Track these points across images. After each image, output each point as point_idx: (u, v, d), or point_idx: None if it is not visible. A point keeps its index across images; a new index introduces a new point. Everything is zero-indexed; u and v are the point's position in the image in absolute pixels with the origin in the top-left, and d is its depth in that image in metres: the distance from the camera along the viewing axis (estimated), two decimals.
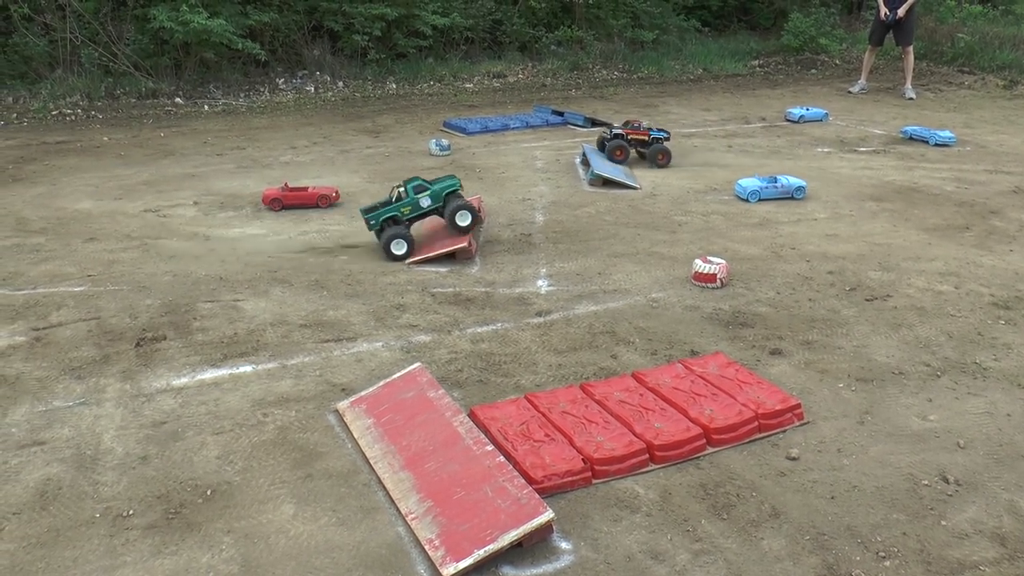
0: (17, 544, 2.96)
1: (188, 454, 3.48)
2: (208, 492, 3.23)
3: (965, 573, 2.88)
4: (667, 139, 8.23)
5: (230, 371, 4.15)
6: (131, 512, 3.11)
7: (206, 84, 11.83)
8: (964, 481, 3.35)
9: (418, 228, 5.85)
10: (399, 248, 5.54)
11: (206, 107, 11.07)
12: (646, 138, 8.16)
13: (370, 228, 5.68)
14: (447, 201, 5.69)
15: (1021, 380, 4.14)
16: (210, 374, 4.12)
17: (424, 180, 5.76)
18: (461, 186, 5.81)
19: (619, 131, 8.10)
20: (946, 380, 4.13)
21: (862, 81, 12.86)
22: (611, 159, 7.90)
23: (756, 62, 15.27)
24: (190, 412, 3.78)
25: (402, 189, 5.70)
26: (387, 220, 5.63)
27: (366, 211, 5.71)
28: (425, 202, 5.68)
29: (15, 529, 3.03)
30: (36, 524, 3.06)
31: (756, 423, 3.63)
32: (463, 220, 5.62)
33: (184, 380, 4.06)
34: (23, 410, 3.79)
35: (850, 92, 12.71)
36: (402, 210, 5.66)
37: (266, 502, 3.18)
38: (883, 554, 2.95)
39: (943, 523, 3.11)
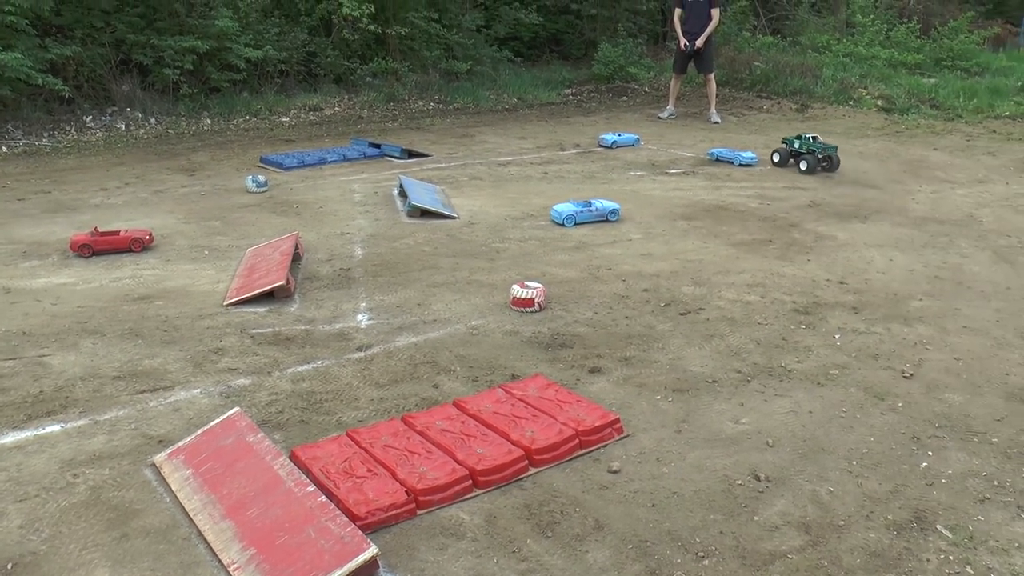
0: None
1: None
2: (9, 566, 3.01)
3: (776, 562, 3.05)
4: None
5: (35, 432, 3.90)
6: None
7: (4, 124, 11.14)
8: (773, 477, 3.55)
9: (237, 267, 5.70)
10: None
11: (4, 148, 10.42)
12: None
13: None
14: None
15: (820, 379, 4.43)
16: (12, 437, 3.86)
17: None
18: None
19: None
20: (755, 384, 4.37)
21: (670, 107, 13.51)
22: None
23: (569, 91, 15.77)
24: None
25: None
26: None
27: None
28: None
29: None
30: None
31: (577, 440, 3.72)
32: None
33: None
34: None
35: (659, 118, 13.32)
36: None
37: (77, 569, 3.00)
38: (702, 554, 3.08)
39: (756, 518, 3.28)
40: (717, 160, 9.97)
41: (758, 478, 3.55)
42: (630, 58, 16.33)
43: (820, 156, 9.45)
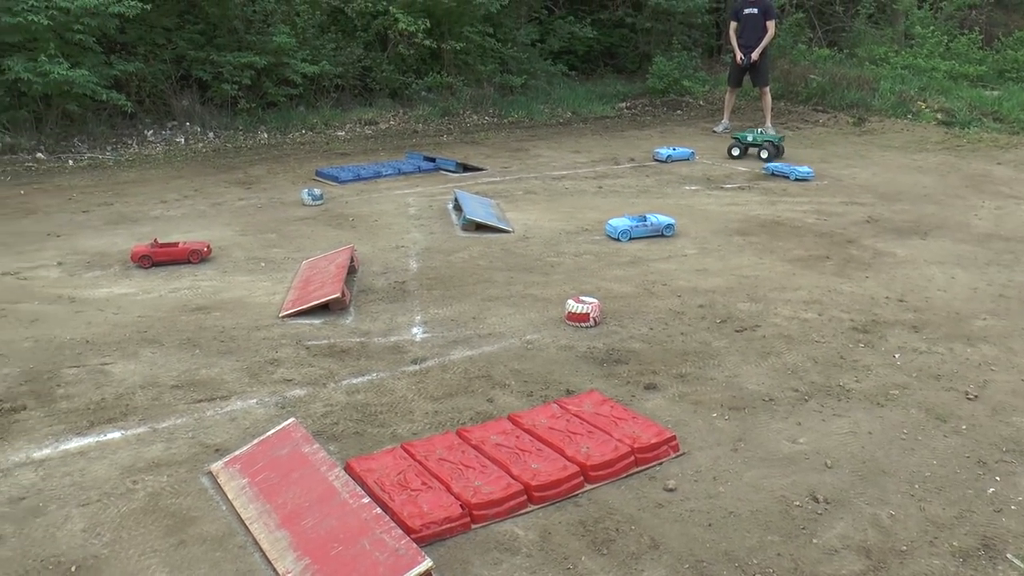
0: None
1: (50, 530, 3.30)
2: (72, 568, 3.08)
3: None
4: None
5: (97, 439, 3.98)
6: None
7: (70, 138, 11.42)
8: (832, 499, 3.48)
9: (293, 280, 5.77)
10: None
11: (70, 162, 10.68)
12: None
13: None
14: None
15: (880, 399, 4.34)
16: (75, 443, 3.94)
17: None
18: None
19: None
20: (813, 403, 4.30)
21: (725, 121, 13.41)
22: None
23: (623, 104, 15.73)
24: (52, 485, 3.60)
25: None
26: None
27: None
28: None
29: None
30: None
31: (632, 457, 3.69)
32: None
33: (46, 451, 3.87)
34: None
35: (714, 131, 13.22)
36: None
37: (136, 574, 3.05)
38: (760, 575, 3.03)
39: (814, 541, 3.22)
40: (773, 174, 9.86)
41: (816, 499, 3.48)
42: (685, 71, 16.25)
43: (777, 144, 10.79)
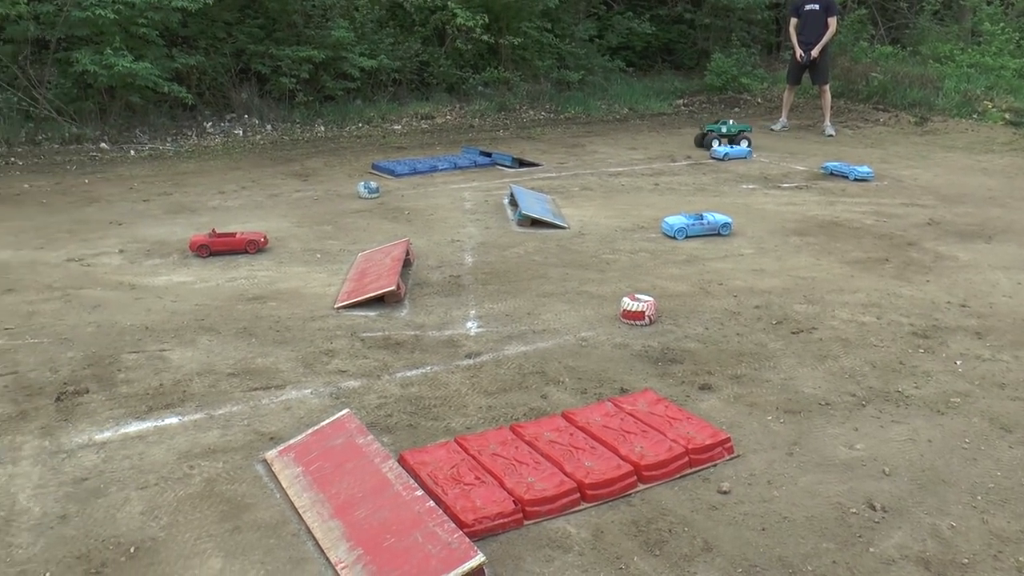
0: None
1: (111, 511, 3.37)
2: (132, 549, 3.14)
3: None
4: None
5: (155, 423, 4.05)
6: (48, 574, 3.00)
7: (132, 128, 11.66)
8: (890, 508, 3.41)
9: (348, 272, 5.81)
10: None
11: (132, 152, 10.90)
12: None
13: None
14: None
15: (940, 407, 4.24)
16: (134, 427, 4.01)
17: None
18: None
19: None
20: (871, 409, 4.21)
21: (783, 119, 13.24)
22: None
23: (681, 101, 15.62)
24: (113, 467, 3.67)
25: None
26: None
27: None
28: None
29: None
30: None
31: (687, 458, 3.66)
32: None
33: (107, 434, 3.95)
34: None
35: (772, 130, 13.06)
36: None
37: (192, 557, 3.10)
38: None
39: (871, 550, 3.15)
40: (831, 174, 9.71)
41: (873, 507, 3.41)
42: (743, 68, 16.09)
43: (749, 135, 11.26)
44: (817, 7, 12.35)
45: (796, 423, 4.07)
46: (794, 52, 12.69)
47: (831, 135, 12.62)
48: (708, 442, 3.74)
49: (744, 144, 11.11)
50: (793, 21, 12.73)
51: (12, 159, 10.33)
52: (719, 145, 10.99)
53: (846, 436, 3.96)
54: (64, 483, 3.55)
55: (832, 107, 13.20)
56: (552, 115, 14.07)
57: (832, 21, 12.43)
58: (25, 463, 3.71)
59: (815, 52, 12.38)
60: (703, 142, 11.32)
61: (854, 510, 3.39)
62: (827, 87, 12.88)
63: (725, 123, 11.47)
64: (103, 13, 10.28)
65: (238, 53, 12.58)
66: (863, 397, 4.33)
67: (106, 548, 3.14)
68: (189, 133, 11.87)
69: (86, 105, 11.43)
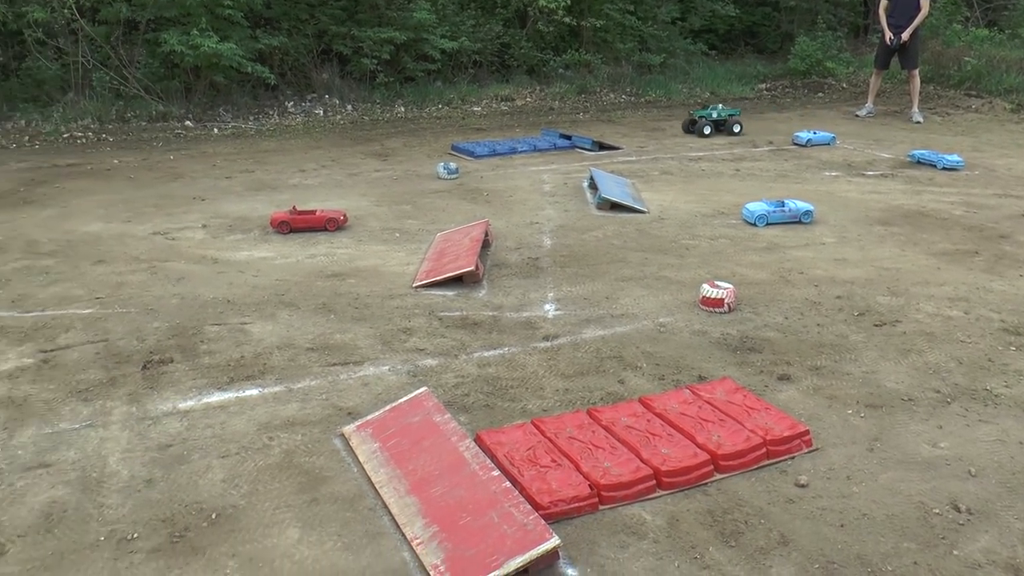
0: (22, 567, 2.95)
1: (193, 477, 3.46)
2: (213, 516, 3.22)
3: None
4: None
5: (236, 394, 4.14)
6: (135, 535, 3.10)
7: (216, 107, 11.91)
8: (976, 510, 3.30)
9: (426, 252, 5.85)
10: None
11: (215, 130, 11.13)
12: None
13: None
14: None
15: None
16: (216, 397, 4.11)
17: None
18: None
19: None
20: (956, 407, 4.09)
21: (869, 104, 12.89)
22: None
23: (763, 85, 15.34)
24: (196, 435, 3.77)
25: None
26: None
27: None
28: None
29: (20, 552, 3.02)
30: (41, 547, 3.05)
31: (764, 449, 3.60)
32: None
33: (190, 403, 4.05)
34: (30, 432, 3.79)
35: (857, 115, 12.74)
36: None
37: (271, 526, 3.16)
38: None
39: (955, 553, 3.06)
40: (918, 162, 9.42)
41: (958, 509, 3.31)
42: (828, 52, 15.69)
43: (739, 120, 11.21)
44: None
45: (877, 418, 3.98)
46: (883, 35, 12.32)
47: (919, 122, 12.24)
48: (786, 434, 3.68)
49: (737, 129, 11.10)
50: (883, 3, 12.34)
51: (103, 135, 10.65)
52: (707, 127, 11.03)
53: (930, 434, 3.85)
54: (150, 448, 3.66)
55: (921, 93, 12.78)
56: (633, 98, 13.95)
57: (924, 2, 12.01)
58: (114, 427, 3.83)
59: (905, 35, 12.00)
60: (692, 128, 11.17)
61: (937, 510, 3.30)
62: (916, 72, 12.49)
63: (715, 108, 11.34)
64: None
65: (320, 34, 12.73)
66: (948, 394, 4.21)
67: (189, 513, 3.23)
68: (271, 112, 12.06)
69: (172, 84, 11.72)
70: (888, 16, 12.21)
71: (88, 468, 3.51)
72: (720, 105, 11.59)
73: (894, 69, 13.33)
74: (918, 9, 11.96)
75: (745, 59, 16.88)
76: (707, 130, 11.00)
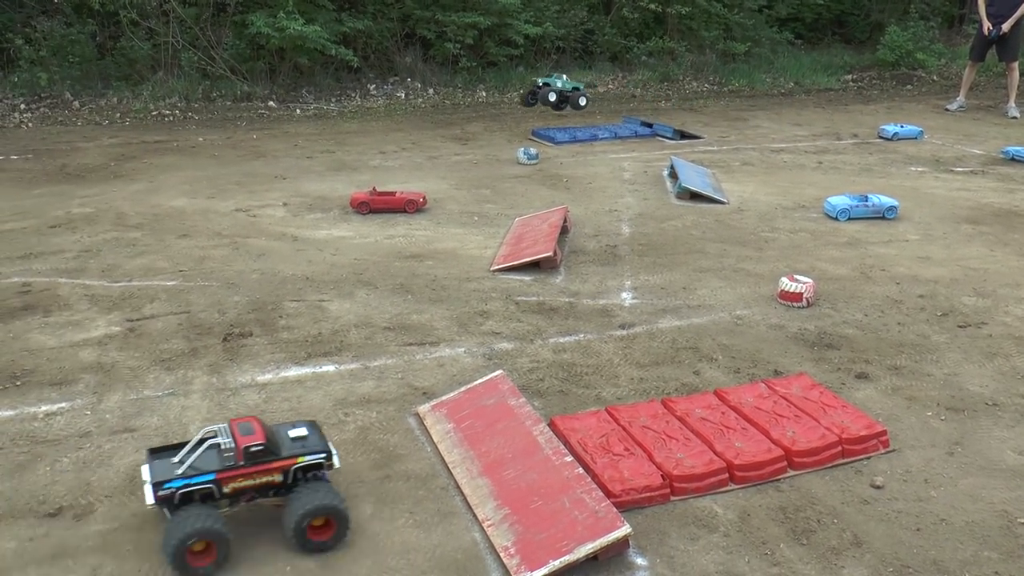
0: (108, 525, 3.07)
1: None
2: None
3: None
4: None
5: (313, 370, 4.22)
6: None
7: (299, 88, 12.09)
8: None
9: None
10: None
11: (298, 111, 11.31)
12: None
13: None
14: None
15: None
16: (294, 372, 4.20)
17: None
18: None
19: None
20: None
21: (960, 98, 12.46)
22: None
23: (850, 76, 14.97)
24: (273, 408, 3.86)
25: None
26: None
27: None
28: None
29: (107, 511, 3.14)
30: (125, 507, 3.16)
31: (839, 448, 3.55)
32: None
33: (268, 376, 4.14)
34: (116, 397, 3.92)
35: (947, 110, 12.35)
36: None
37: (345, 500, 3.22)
38: None
39: None
40: (1012, 160, 9.11)
41: None
42: (920, 43, 15.20)
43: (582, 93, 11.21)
44: None
45: (959, 422, 3.88)
46: (981, 25, 11.90)
47: (1015, 117, 11.82)
48: (863, 433, 3.61)
49: (583, 102, 11.18)
50: None
51: (190, 114, 10.91)
52: (552, 94, 11.04)
53: (1015, 441, 3.75)
54: (228, 418, 3.74)
55: (1018, 87, 12.33)
56: (715, 87, 13.76)
57: None
58: (195, 396, 3.94)
59: (1006, 26, 11.55)
60: (534, 99, 11.16)
61: (1022, 520, 3.21)
62: (1015, 65, 12.02)
63: (559, 77, 11.36)
64: None
65: (404, 18, 12.81)
66: None
67: None
68: (353, 94, 12.20)
69: (257, 65, 11.93)
70: (988, 5, 11.79)
71: (170, 434, 3.61)
72: (564, 76, 11.54)
73: (990, 62, 12.86)
74: (1022, 0, 11.52)
75: (832, 49, 16.48)
76: (552, 97, 11.08)
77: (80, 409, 3.83)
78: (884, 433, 3.67)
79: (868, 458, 3.58)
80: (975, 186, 8.07)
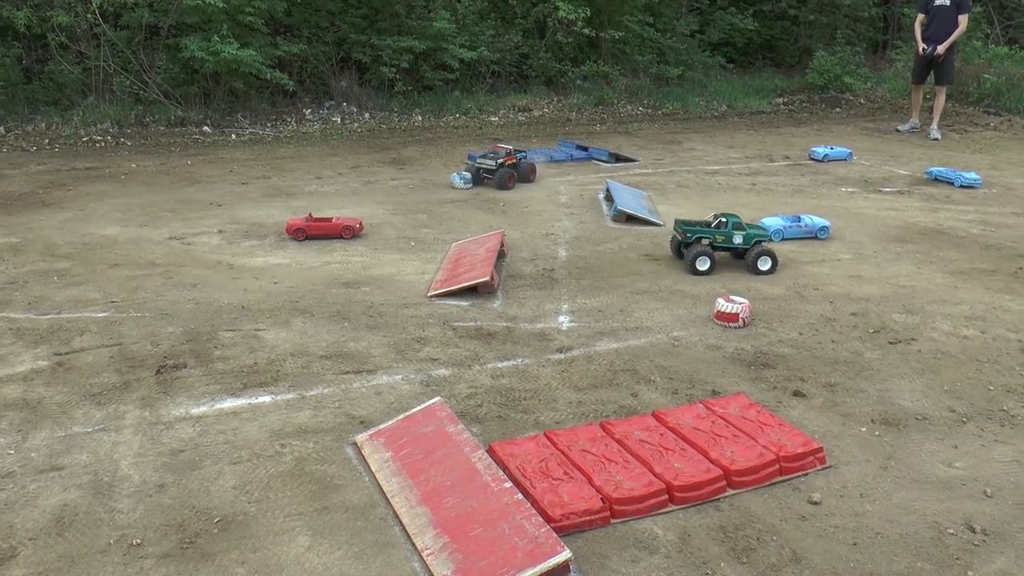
0: (32, 570, 2.96)
1: (205, 483, 3.47)
2: (223, 523, 3.22)
3: None
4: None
5: (249, 401, 4.15)
6: (146, 540, 3.10)
7: (234, 113, 11.97)
8: (992, 531, 3.28)
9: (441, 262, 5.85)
10: (703, 264, 6.09)
11: (233, 136, 11.18)
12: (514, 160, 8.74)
13: (682, 240, 6.21)
14: (754, 246, 6.19)
15: None
16: (229, 403, 4.12)
17: (742, 221, 6.25)
18: (770, 239, 6.47)
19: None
20: (972, 427, 4.06)
21: (913, 119, 12.87)
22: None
23: (781, 100, 15.30)
24: (208, 441, 3.78)
25: (723, 219, 6.14)
26: (697, 239, 6.19)
27: (685, 223, 6.28)
28: (738, 239, 6.21)
29: (31, 554, 3.03)
30: (51, 550, 3.05)
31: (777, 466, 3.59)
32: (763, 265, 6.14)
33: (203, 409, 4.06)
34: (43, 435, 3.80)
35: (899, 130, 12.72)
36: (717, 237, 6.19)
37: (282, 533, 3.16)
38: None
39: (969, 574, 3.04)
40: (936, 180, 9.38)
41: (973, 529, 3.28)
42: (847, 67, 15.63)
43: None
44: (948, 3, 11.90)
45: (892, 436, 3.95)
46: (917, 47, 12.25)
47: (936, 139, 12.18)
48: (800, 450, 3.66)
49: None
50: (920, 17, 12.27)
51: (122, 139, 10.72)
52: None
53: (945, 453, 3.83)
54: (162, 453, 3.67)
55: (942, 111, 12.71)
56: (650, 111, 13.95)
57: (963, 19, 11.94)
58: (127, 431, 3.84)
59: (941, 49, 11.92)
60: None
61: (952, 531, 3.28)
62: (944, 89, 12.42)
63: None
64: (212, 1, 10.56)
65: (340, 42, 12.79)
66: (964, 414, 4.18)
67: (200, 519, 3.24)
68: (288, 119, 12.12)
69: (191, 90, 11.79)
70: (924, 28, 12.17)
71: (100, 472, 3.52)
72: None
73: (931, 82, 13.23)
74: (956, 24, 11.91)
75: (763, 73, 16.86)
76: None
77: (3, 448, 3.71)
78: (820, 450, 3.72)
79: (805, 475, 3.62)
80: (902, 206, 8.27)
